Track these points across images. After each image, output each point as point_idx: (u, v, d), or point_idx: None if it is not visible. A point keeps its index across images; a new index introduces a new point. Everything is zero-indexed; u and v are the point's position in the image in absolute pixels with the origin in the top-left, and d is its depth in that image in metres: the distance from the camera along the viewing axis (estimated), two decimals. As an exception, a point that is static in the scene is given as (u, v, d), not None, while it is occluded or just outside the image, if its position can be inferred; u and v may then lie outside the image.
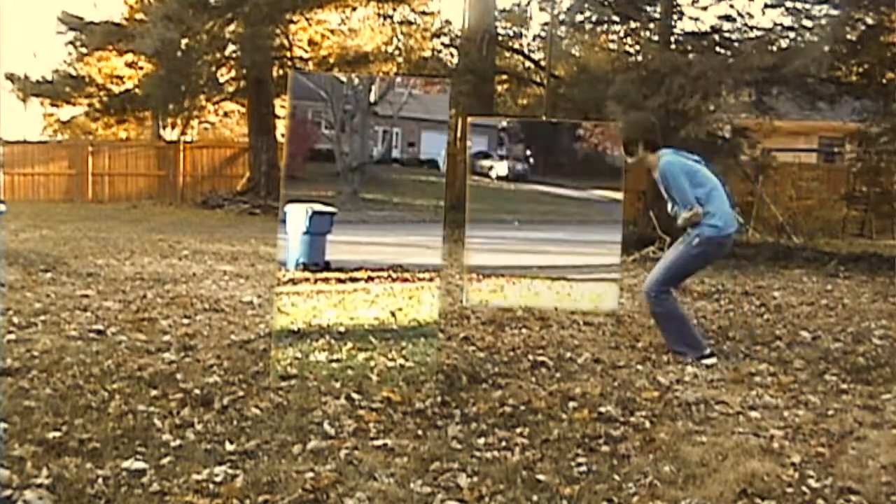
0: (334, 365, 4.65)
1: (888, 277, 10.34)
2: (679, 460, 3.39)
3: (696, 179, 5.18)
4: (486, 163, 7.94)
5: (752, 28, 13.75)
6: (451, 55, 21.86)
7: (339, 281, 5.48)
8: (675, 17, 14.07)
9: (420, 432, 3.64)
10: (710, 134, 13.03)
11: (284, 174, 5.31)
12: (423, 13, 24.39)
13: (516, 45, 23.13)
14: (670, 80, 11.97)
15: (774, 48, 12.89)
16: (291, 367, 4.55)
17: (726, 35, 13.82)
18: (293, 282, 5.40)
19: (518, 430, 3.71)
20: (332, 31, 24.78)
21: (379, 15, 24.57)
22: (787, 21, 13.36)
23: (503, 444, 3.54)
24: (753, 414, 4.07)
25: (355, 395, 4.13)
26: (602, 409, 4.06)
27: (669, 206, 5.32)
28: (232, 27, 19.75)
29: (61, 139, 28.09)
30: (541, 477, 3.16)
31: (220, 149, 24.14)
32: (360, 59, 22.07)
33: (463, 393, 4.28)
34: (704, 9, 14.32)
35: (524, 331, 6.05)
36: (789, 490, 3.10)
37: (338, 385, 4.30)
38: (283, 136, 22.20)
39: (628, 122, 5.67)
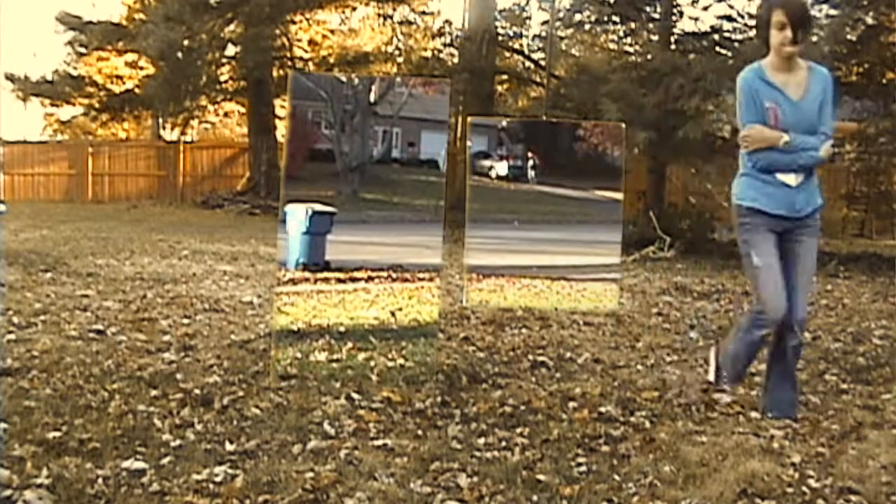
0: (334, 365, 4.65)
1: (888, 277, 10.34)
2: (679, 460, 3.39)
3: None
4: (486, 163, 7.93)
5: (752, 28, 13.74)
6: (452, 55, 21.86)
7: (339, 281, 5.47)
8: (675, 17, 14.08)
9: (420, 432, 3.64)
10: (709, 134, 13.03)
11: (284, 174, 5.29)
12: (423, 13, 24.40)
13: (516, 45, 23.14)
14: (669, 80, 11.97)
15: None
16: (291, 367, 4.55)
17: (726, 35, 13.82)
18: (293, 282, 5.39)
19: (518, 430, 3.71)
20: (332, 32, 24.78)
21: (379, 15, 24.58)
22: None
23: (503, 444, 3.54)
24: (753, 414, 4.06)
25: (355, 395, 4.13)
26: (602, 409, 4.06)
27: (789, 136, 3.84)
28: (232, 26, 19.75)
29: (61, 139, 28.09)
30: (541, 477, 3.16)
31: (220, 149, 24.13)
32: (360, 60, 22.07)
33: (463, 393, 4.28)
34: (705, 9, 14.33)
35: (524, 331, 6.05)
36: (789, 490, 3.10)
37: (338, 385, 4.30)
38: (283, 136, 22.25)
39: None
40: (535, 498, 2.98)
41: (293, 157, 5.38)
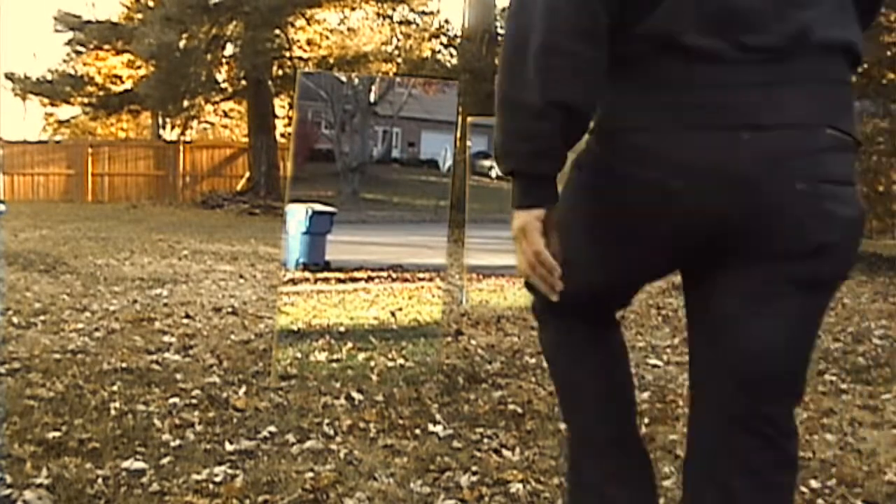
0: (334, 365, 4.66)
1: (888, 277, 10.34)
2: (680, 460, 3.39)
3: None
4: (486, 163, 7.92)
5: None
6: (451, 55, 21.84)
7: (339, 281, 5.47)
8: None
9: (420, 432, 3.64)
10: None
11: (292, 174, 5.29)
12: (423, 13, 24.37)
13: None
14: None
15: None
16: (291, 367, 4.55)
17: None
18: (293, 282, 5.39)
19: (519, 430, 3.70)
20: (330, 31, 24.77)
21: (378, 15, 24.55)
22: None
23: (504, 443, 3.53)
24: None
25: (355, 395, 4.13)
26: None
27: None
28: (231, 26, 19.74)
29: (60, 139, 28.08)
30: (542, 477, 3.16)
31: (219, 149, 24.15)
32: (359, 59, 22.07)
33: (463, 393, 4.28)
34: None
35: (524, 331, 6.05)
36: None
37: (338, 385, 4.30)
38: (282, 136, 22.25)
39: None
40: (536, 498, 2.98)
41: (294, 157, 5.39)
